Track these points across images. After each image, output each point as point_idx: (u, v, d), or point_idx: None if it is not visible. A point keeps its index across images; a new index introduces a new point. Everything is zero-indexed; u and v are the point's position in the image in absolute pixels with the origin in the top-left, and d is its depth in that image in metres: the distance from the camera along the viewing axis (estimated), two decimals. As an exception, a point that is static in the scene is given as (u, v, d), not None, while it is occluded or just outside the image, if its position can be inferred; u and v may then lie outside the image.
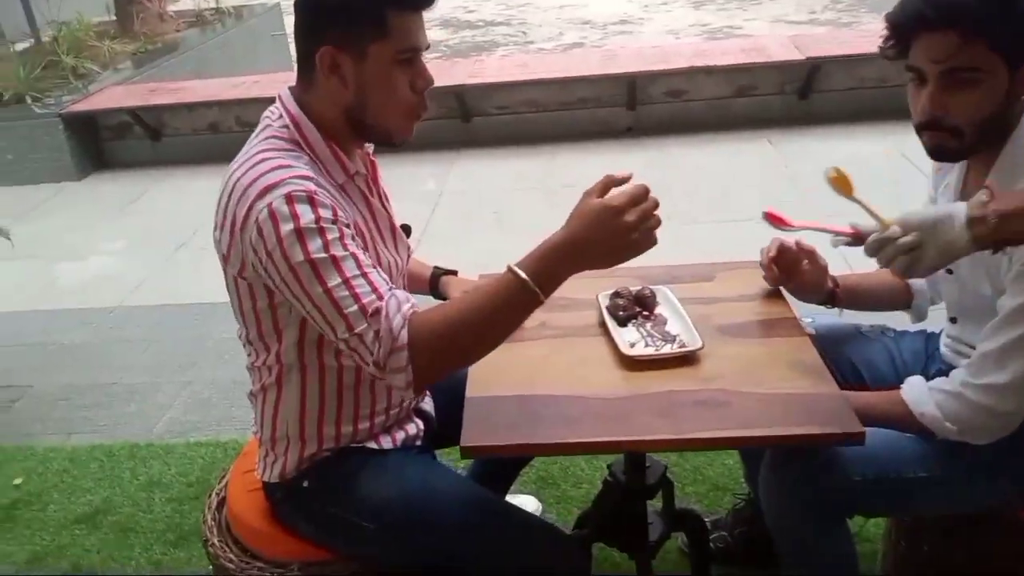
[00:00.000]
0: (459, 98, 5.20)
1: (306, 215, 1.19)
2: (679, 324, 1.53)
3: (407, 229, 1.55)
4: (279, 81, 5.74)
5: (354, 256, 1.22)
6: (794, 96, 5.17)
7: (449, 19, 11.08)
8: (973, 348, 1.46)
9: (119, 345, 3.34)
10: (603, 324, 1.57)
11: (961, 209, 1.19)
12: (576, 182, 5.32)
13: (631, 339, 1.51)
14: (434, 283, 1.75)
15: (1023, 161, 1.31)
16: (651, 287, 1.62)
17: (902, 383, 1.56)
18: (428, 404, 1.62)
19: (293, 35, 1.31)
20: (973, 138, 1.33)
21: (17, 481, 2.53)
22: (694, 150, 4.91)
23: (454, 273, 1.77)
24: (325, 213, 1.21)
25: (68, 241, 4.48)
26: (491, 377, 1.43)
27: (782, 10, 9.78)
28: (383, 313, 1.18)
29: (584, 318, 1.61)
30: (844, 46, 5.16)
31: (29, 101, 5.60)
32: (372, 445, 1.48)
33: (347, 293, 1.19)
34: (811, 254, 1.60)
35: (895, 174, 4.24)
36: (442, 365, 1.23)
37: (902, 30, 1.32)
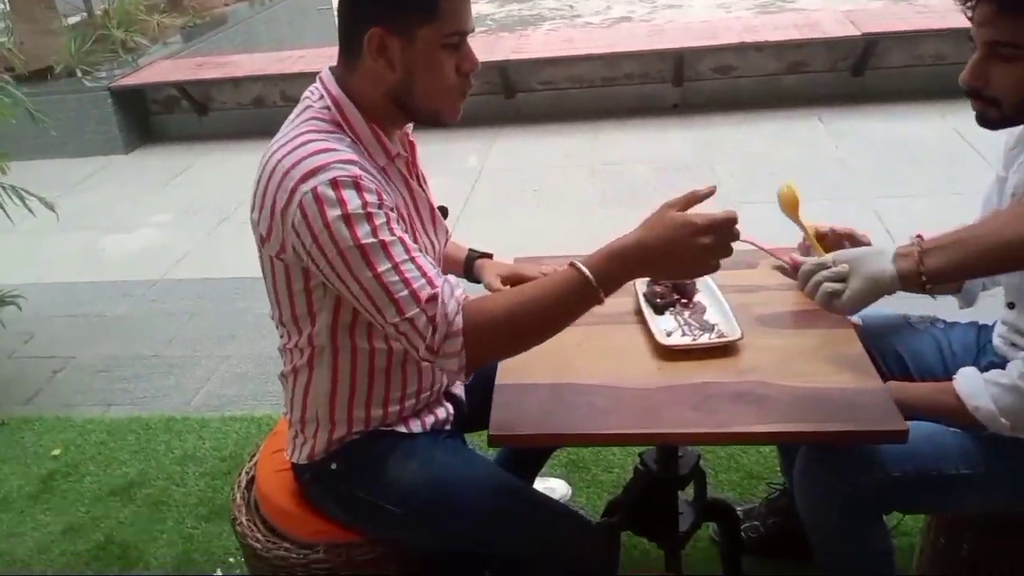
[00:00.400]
0: (502, 73, 5.14)
1: (353, 200, 1.17)
2: (718, 313, 1.48)
3: (444, 211, 1.52)
4: (324, 56, 5.75)
5: (402, 241, 1.20)
6: (847, 73, 5.01)
7: (495, -8, 10.99)
8: None
9: (160, 318, 3.38)
10: (639, 312, 1.52)
11: (892, 246, 1.24)
12: (620, 159, 5.28)
13: (668, 328, 1.47)
14: (468, 266, 1.72)
15: None
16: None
17: (950, 376, 1.49)
18: (459, 388, 1.59)
19: (337, 15, 1.29)
20: (1013, 111, 1.29)
21: (55, 452, 2.58)
22: (742, 128, 4.79)
23: (489, 256, 1.73)
24: (371, 198, 1.19)
25: (114, 214, 4.55)
26: (522, 363, 1.39)
27: (838, -17, 9.49)
28: (440, 298, 1.17)
29: (620, 305, 1.56)
30: (903, 22, 4.97)
31: (79, 75, 5.68)
32: (401, 429, 1.46)
33: (397, 278, 1.18)
34: (850, 236, 1.52)
35: (950, 153, 4.09)
36: (495, 351, 1.25)
37: None
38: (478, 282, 1.68)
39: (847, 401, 1.28)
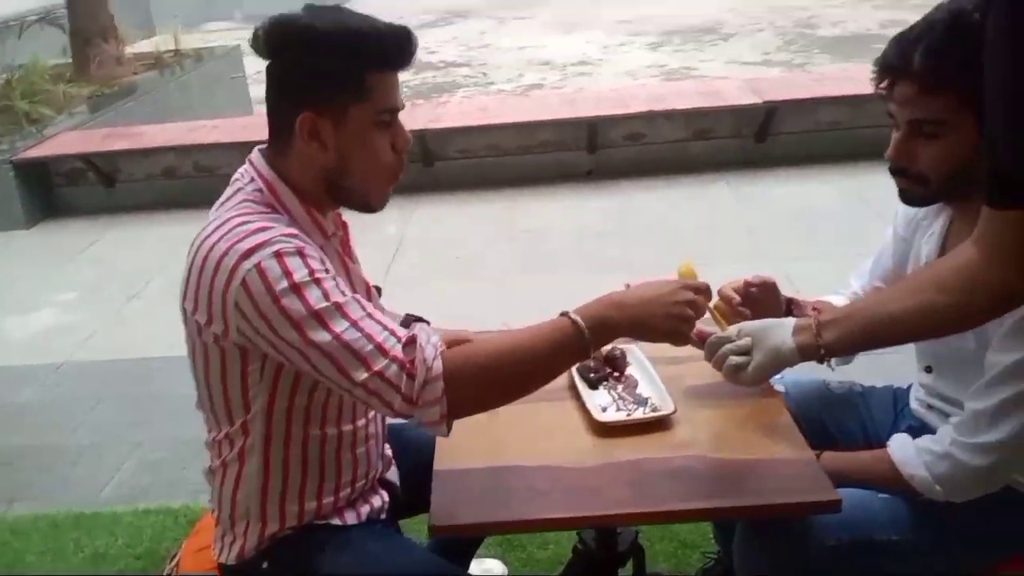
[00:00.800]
0: (420, 142, 5.18)
1: (299, 270, 1.16)
2: (650, 386, 1.51)
3: (377, 290, 1.52)
4: (239, 126, 5.68)
5: (356, 300, 1.20)
6: (751, 139, 5.25)
7: (409, 61, 11.14)
8: (948, 401, 1.45)
9: (66, 403, 3.21)
10: (573, 387, 1.53)
11: (792, 320, 1.32)
12: (538, 226, 5.37)
13: (602, 403, 1.48)
14: None
15: None
16: (621, 347, 1.59)
17: (870, 441, 1.53)
18: (393, 475, 1.56)
19: (266, 99, 1.28)
20: (939, 187, 1.34)
21: (-47, 556, 2.39)
22: (653, 193, 4.94)
23: (426, 322, 1.71)
24: (317, 265, 1.18)
25: (15, 293, 4.34)
26: (460, 445, 1.38)
27: (736, 51, 10.01)
28: (417, 343, 1.16)
29: (554, 380, 1.57)
30: (800, 90, 5.26)
31: (-22, 148, 5.46)
32: (336, 521, 1.42)
33: (359, 335, 1.16)
34: (761, 284, 1.56)
35: (851, 214, 4.31)
36: (478, 399, 1.21)
37: (879, 72, 1.34)
38: None
39: (780, 473, 1.30)
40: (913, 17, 1.34)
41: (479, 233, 4.59)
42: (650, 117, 5.17)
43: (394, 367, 1.15)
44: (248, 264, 1.16)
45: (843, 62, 8.79)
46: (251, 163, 1.31)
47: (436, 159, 5.34)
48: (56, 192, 5.53)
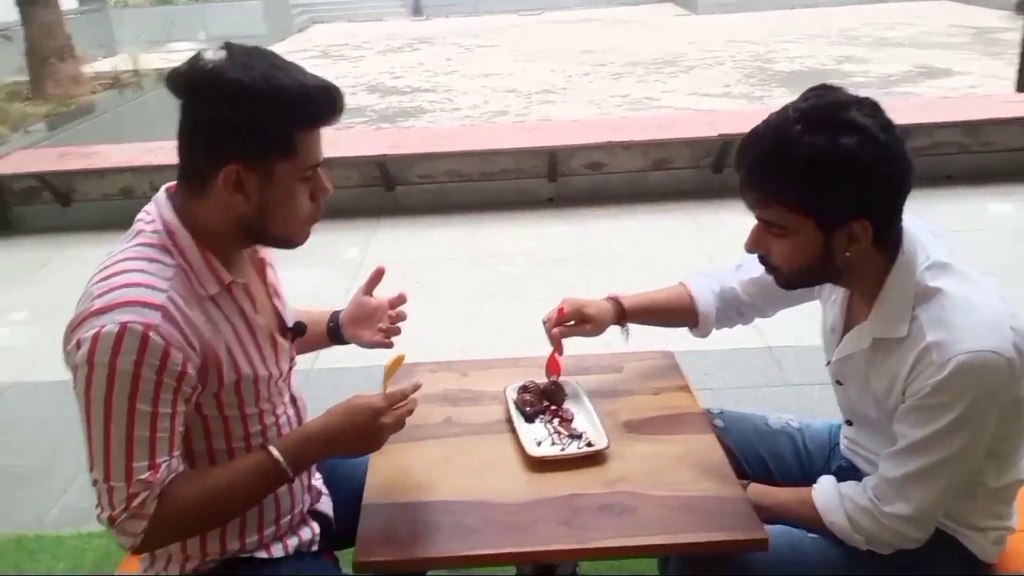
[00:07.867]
0: (381, 167, 5.20)
1: (127, 356, 1.14)
2: (586, 420, 1.53)
3: (300, 328, 1.48)
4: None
5: (152, 416, 1.17)
6: (708, 170, 5.34)
7: (376, 84, 11.17)
8: (868, 450, 1.50)
9: (12, 425, 3.15)
10: (510, 420, 1.55)
11: None
12: (499, 252, 5.39)
13: (538, 436, 1.49)
14: (333, 331, 1.68)
15: (896, 315, 1.33)
16: (558, 380, 1.61)
17: (807, 477, 1.56)
18: (326, 505, 1.56)
19: (184, 146, 1.23)
20: (792, 277, 1.38)
21: None
22: (613, 221, 5.00)
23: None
24: (151, 360, 1.15)
25: (-36, 312, 4.25)
26: (392, 479, 1.40)
27: (698, 84, 10.18)
28: (152, 487, 1.19)
29: (491, 413, 1.59)
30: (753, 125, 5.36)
31: (-70, 164, 5.37)
32: (262, 555, 1.41)
33: (123, 449, 1.17)
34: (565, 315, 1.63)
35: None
36: (179, 537, 1.32)
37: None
38: (347, 342, 1.67)
39: (711, 510, 1.33)
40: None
41: (441, 257, 4.60)
42: (609, 147, 5.24)
43: (124, 492, 1.18)
44: (96, 321, 1.14)
45: (801, 95, 8.96)
46: (155, 204, 1.27)
47: (397, 184, 5.35)
48: (10, 210, 5.45)
